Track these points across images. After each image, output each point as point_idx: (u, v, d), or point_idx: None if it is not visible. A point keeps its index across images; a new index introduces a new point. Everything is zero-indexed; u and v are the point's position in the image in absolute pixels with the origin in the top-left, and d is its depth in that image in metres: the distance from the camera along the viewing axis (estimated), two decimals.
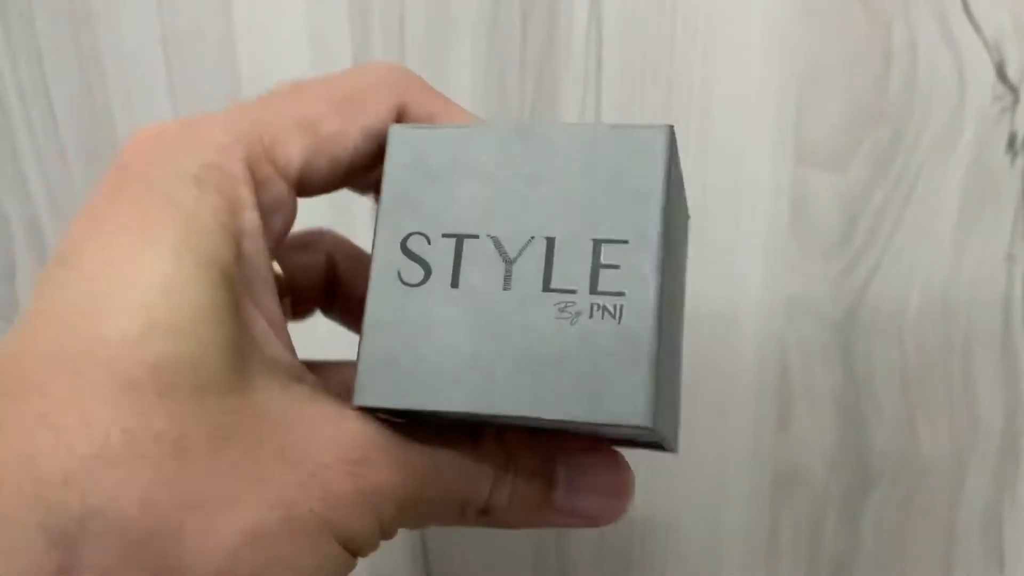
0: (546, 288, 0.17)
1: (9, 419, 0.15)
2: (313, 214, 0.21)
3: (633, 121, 0.35)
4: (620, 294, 0.16)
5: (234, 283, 0.17)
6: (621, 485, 0.21)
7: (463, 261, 0.17)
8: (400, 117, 0.20)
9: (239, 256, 0.17)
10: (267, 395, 0.17)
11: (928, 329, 0.34)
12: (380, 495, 0.17)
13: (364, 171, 0.20)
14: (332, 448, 0.17)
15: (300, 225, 0.24)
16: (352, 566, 0.18)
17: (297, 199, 0.19)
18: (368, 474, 0.17)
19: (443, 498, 0.19)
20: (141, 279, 0.16)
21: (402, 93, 0.19)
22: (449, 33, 0.36)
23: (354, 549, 0.17)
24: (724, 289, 0.35)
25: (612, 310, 0.16)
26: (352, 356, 0.18)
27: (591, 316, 0.16)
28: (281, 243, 0.19)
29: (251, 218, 0.17)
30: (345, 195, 0.22)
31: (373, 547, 0.18)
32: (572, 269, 0.17)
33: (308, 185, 0.19)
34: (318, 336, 0.24)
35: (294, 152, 0.18)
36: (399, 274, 0.18)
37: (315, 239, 0.25)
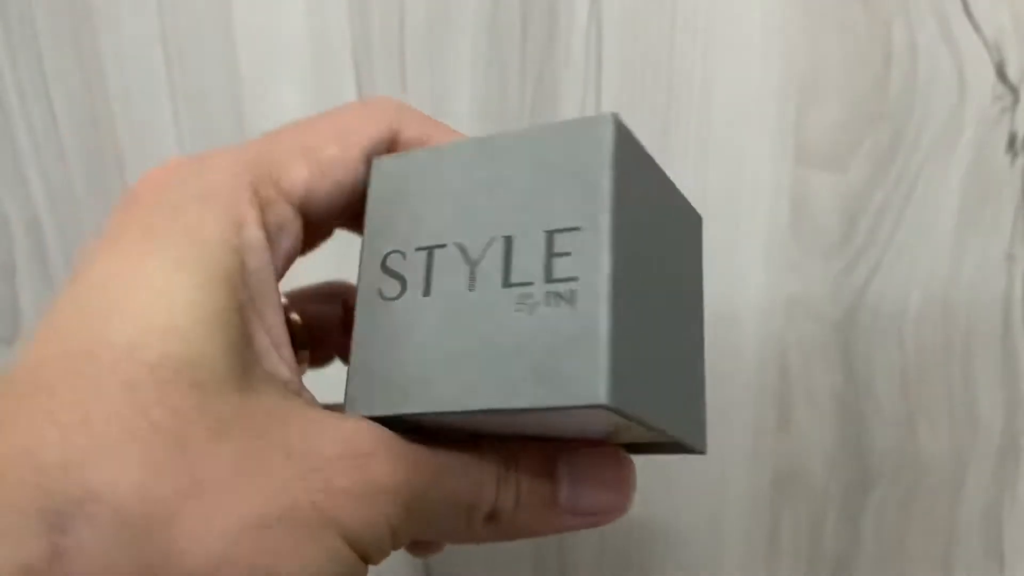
0: (506, 284, 0.17)
1: (15, 417, 0.15)
2: (327, 268, 0.22)
3: (633, 121, 0.35)
4: (573, 279, 0.16)
5: (236, 293, 0.17)
6: (623, 478, 0.21)
7: (433, 270, 0.18)
8: (395, 141, 0.21)
9: (242, 269, 0.18)
10: (268, 398, 0.17)
11: (928, 329, 0.34)
12: (385, 491, 0.17)
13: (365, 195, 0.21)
14: (335, 443, 0.17)
15: (316, 278, 0.25)
16: (362, 571, 0.18)
17: (303, 222, 0.20)
18: (372, 468, 0.17)
19: (449, 499, 0.19)
20: (143, 287, 0.16)
21: (396, 119, 0.21)
22: (449, 33, 0.36)
23: (362, 551, 0.17)
24: (724, 289, 0.35)
25: (566, 295, 0.16)
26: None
27: (548, 304, 0.16)
28: (290, 264, 0.20)
29: (255, 235, 0.18)
30: (355, 247, 0.22)
31: (382, 552, 0.18)
32: (528, 262, 0.17)
33: (314, 208, 0.20)
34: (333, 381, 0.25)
35: (297, 176, 0.19)
36: (380, 291, 0.19)
37: (332, 290, 0.27)
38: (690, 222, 0.21)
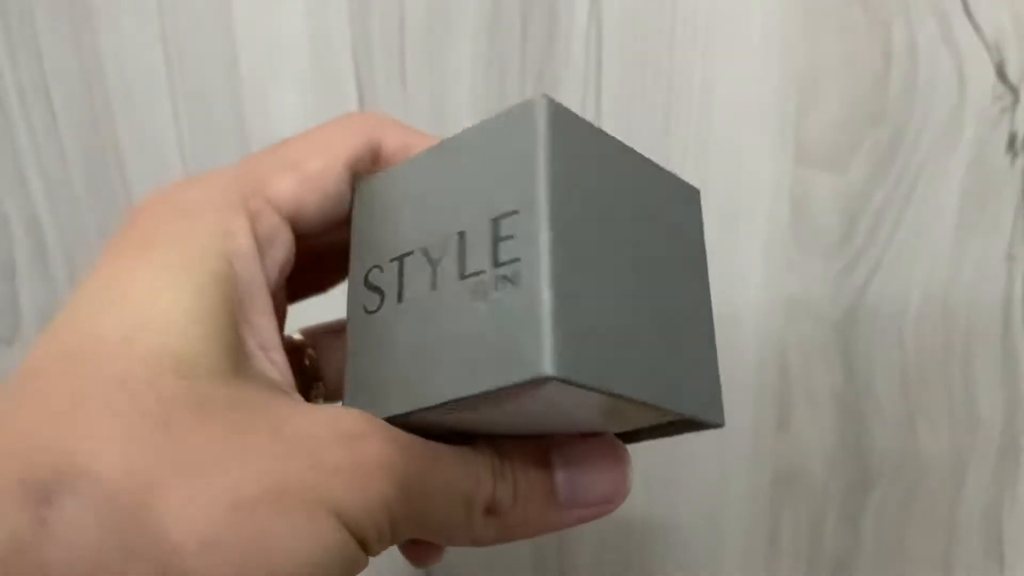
0: (461, 276, 0.18)
1: (11, 409, 0.16)
2: (340, 308, 0.22)
3: (633, 121, 0.35)
4: (517, 260, 0.16)
5: (226, 295, 0.18)
6: (618, 464, 0.21)
7: (404, 277, 0.19)
8: (377, 152, 0.21)
9: (231, 274, 0.18)
10: (256, 391, 0.17)
11: (928, 329, 0.34)
12: (379, 469, 0.17)
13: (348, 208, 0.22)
14: (325, 425, 0.17)
15: (334, 316, 0.25)
16: (362, 561, 0.17)
17: (295, 234, 0.21)
18: (364, 448, 0.17)
19: (446, 489, 0.19)
20: (135, 289, 0.17)
21: (376, 128, 0.21)
22: (449, 33, 0.36)
23: (360, 535, 0.17)
24: (724, 289, 0.35)
25: (512, 276, 0.16)
26: None
27: (497, 288, 0.17)
28: (284, 273, 0.21)
29: (244, 243, 0.19)
30: None
31: (381, 538, 0.18)
32: (479, 252, 0.17)
33: (304, 218, 0.20)
34: None
35: (284, 187, 0.20)
36: (364, 307, 0.20)
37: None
38: (683, 195, 0.21)
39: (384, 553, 0.19)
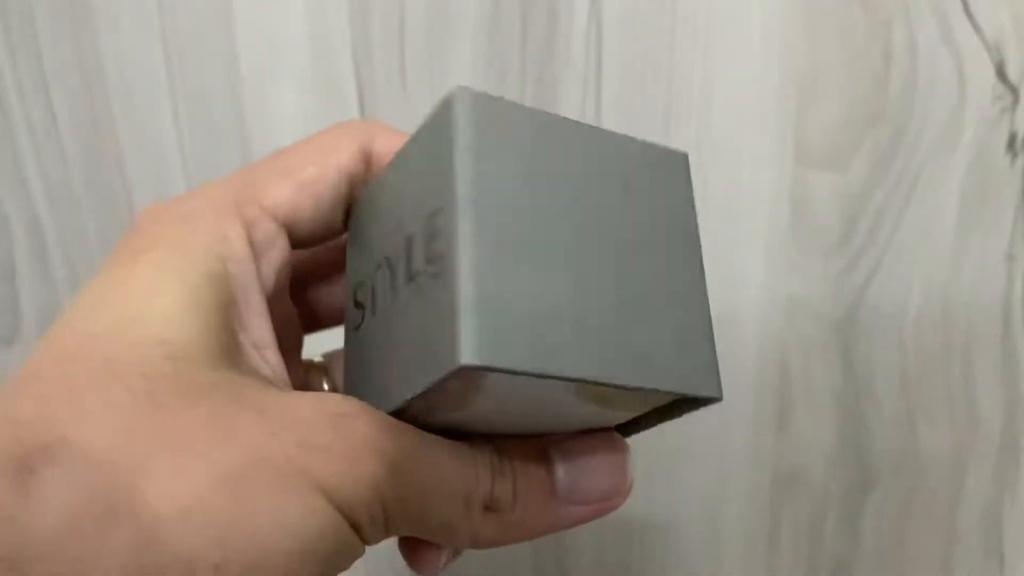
0: (409, 278, 0.18)
1: (5, 400, 0.17)
2: None
3: (633, 121, 0.35)
4: (441, 256, 0.17)
5: (218, 292, 0.18)
6: (617, 458, 0.21)
7: (376, 290, 0.19)
8: (368, 157, 0.22)
9: (224, 274, 0.19)
10: (245, 378, 0.18)
11: (928, 329, 0.34)
12: (367, 448, 0.17)
13: (347, 212, 0.22)
14: (313, 407, 0.17)
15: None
16: (357, 547, 0.17)
17: (291, 240, 0.21)
18: (352, 427, 0.17)
19: (443, 483, 0.19)
20: (129, 288, 0.18)
21: (367, 136, 0.22)
22: (449, 33, 0.36)
23: (352, 517, 0.17)
24: (724, 289, 0.35)
25: (438, 271, 0.17)
26: None
27: (430, 286, 0.17)
28: (281, 278, 0.21)
29: (238, 246, 0.19)
30: None
31: (374, 523, 0.17)
32: (419, 252, 0.18)
33: (300, 223, 0.21)
34: None
35: (278, 194, 0.21)
36: (352, 323, 0.21)
37: None
38: (662, 164, 0.20)
39: (383, 551, 0.18)
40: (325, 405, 0.17)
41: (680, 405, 0.20)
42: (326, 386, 0.25)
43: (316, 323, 0.25)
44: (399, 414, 0.18)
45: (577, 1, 0.34)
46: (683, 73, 0.34)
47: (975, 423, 0.34)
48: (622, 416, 0.21)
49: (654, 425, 0.21)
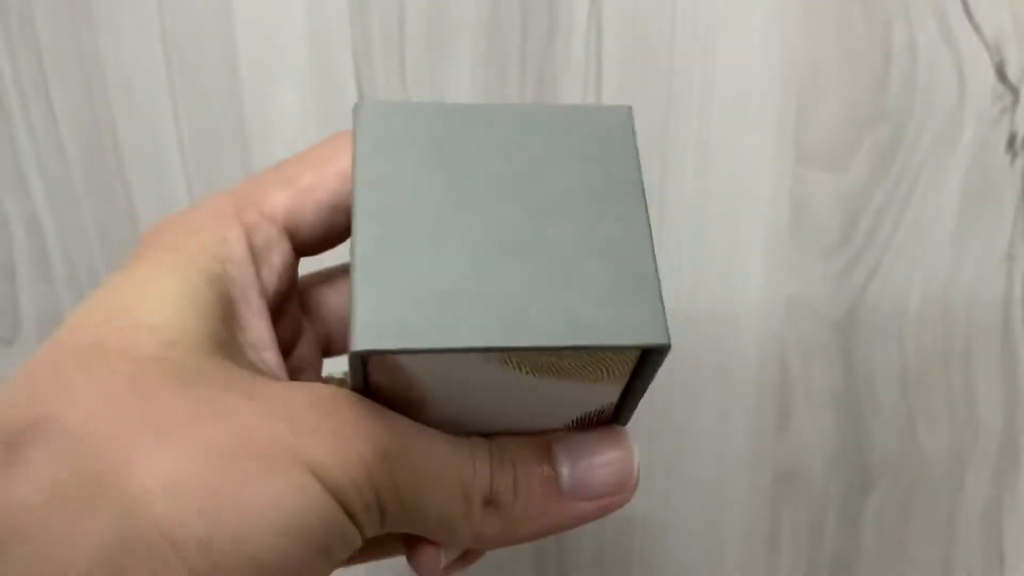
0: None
1: None
2: None
3: (634, 122, 0.35)
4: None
5: (217, 290, 0.19)
6: (623, 453, 0.21)
7: None
8: None
9: (223, 275, 0.19)
10: (237, 367, 0.18)
11: (928, 329, 0.34)
12: (357, 432, 0.17)
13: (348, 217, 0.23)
14: (304, 392, 0.18)
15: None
16: (352, 534, 0.17)
17: (293, 244, 0.22)
18: (343, 412, 0.17)
19: (439, 475, 0.18)
20: (127, 287, 0.19)
21: None
22: (449, 33, 0.36)
23: (344, 501, 0.17)
24: (724, 289, 0.35)
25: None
26: None
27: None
28: (284, 283, 0.21)
29: (238, 249, 0.20)
30: None
31: (368, 510, 0.17)
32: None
33: (301, 228, 0.21)
34: None
35: (277, 200, 0.21)
36: None
37: None
38: (604, 122, 0.21)
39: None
40: (316, 392, 0.18)
41: (643, 364, 0.19)
42: None
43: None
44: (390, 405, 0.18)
45: (577, 1, 0.34)
46: (683, 73, 0.34)
47: (975, 423, 0.34)
48: (603, 394, 0.20)
49: (640, 396, 0.20)
